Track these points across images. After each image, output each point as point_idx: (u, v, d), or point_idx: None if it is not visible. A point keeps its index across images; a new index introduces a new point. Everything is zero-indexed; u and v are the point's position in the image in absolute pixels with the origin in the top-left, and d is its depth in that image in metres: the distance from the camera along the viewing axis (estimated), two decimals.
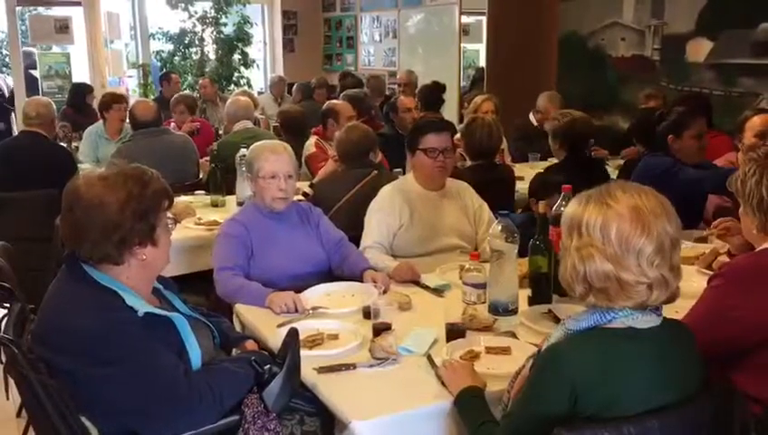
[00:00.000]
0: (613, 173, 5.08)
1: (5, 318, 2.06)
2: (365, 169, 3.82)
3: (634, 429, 1.50)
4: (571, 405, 1.54)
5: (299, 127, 5.44)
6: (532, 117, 5.94)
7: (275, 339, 2.21)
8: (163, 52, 11.03)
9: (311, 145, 5.04)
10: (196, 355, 1.94)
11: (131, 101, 5.95)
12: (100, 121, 6.01)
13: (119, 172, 1.92)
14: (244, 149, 3.26)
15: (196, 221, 3.80)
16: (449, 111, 7.33)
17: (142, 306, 1.87)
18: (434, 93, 6.58)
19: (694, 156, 3.59)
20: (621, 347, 1.58)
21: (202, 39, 11.10)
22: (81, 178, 1.94)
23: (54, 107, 4.87)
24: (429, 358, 2.11)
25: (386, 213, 3.15)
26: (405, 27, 9.68)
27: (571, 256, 1.60)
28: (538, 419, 1.56)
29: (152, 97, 8.93)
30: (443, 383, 1.95)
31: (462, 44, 8.60)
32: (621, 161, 5.15)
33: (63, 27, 8.90)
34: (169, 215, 2.02)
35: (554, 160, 4.48)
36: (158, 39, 10.95)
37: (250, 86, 10.80)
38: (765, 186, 2.00)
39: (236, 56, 11.22)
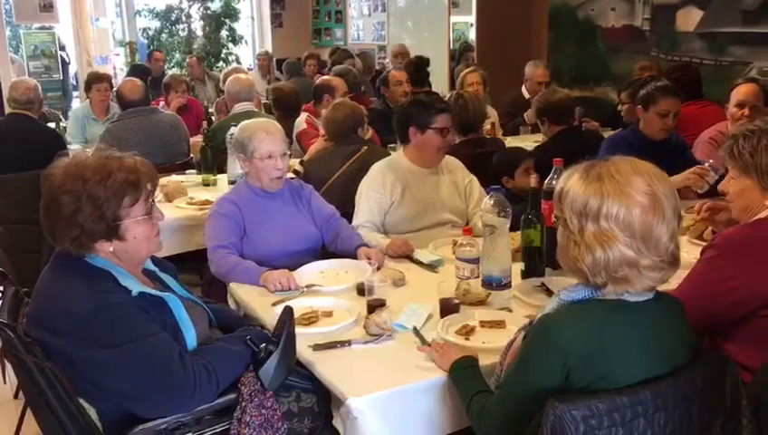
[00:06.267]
0: None
1: None
2: (354, 146, 3.81)
3: (627, 400, 1.51)
4: (564, 377, 1.55)
5: (292, 104, 5.40)
6: (524, 90, 5.91)
7: (270, 317, 2.22)
8: (150, 29, 10.91)
9: (301, 122, 5.00)
10: (191, 335, 1.94)
11: (119, 80, 5.89)
12: (87, 102, 5.97)
13: (82, 164, 1.86)
14: (234, 127, 3.24)
15: (187, 201, 3.79)
16: (438, 86, 7.28)
17: (136, 286, 1.87)
18: (419, 68, 6.52)
19: (656, 133, 3.62)
20: (614, 319, 1.58)
21: (189, 15, 10.99)
22: (53, 167, 1.89)
23: (40, 88, 4.82)
24: (415, 330, 2.11)
25: (376, 191, 3.14)
26: (394, 0, 9.58)
27: (585, 242, 1.57)
28: (531, 390, 1.57)
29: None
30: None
31: (451, 17, 8.54)
32: (612, 132, 5.14)
33: (48, 6, 8.77)
34: (157, 197, 1.97)
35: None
36: (145, 16, 10.83)
37: (239, 63, 10.71)
38: None
39: (224, 32, 11.11)
